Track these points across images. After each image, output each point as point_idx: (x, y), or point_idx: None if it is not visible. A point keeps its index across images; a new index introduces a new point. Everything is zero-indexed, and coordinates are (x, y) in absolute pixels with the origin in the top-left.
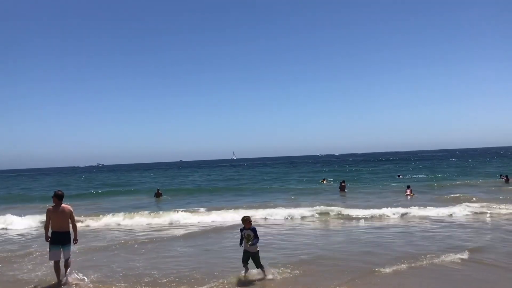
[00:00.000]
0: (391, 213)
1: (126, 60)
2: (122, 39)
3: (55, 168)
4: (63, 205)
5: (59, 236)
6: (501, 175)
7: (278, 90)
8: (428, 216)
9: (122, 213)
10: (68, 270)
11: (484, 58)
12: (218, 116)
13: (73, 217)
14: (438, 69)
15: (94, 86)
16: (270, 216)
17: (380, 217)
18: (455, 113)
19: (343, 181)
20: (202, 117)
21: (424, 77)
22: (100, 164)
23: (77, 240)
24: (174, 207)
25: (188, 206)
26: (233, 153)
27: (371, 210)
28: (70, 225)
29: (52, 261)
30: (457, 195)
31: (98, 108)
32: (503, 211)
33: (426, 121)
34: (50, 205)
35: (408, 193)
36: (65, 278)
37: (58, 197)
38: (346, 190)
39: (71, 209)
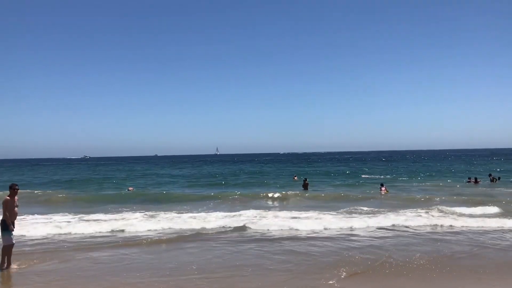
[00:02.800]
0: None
1: (114, 55)
2: (109, 34)
3: (38, 159)
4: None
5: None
6: (469, 178)
7: (265, 87)
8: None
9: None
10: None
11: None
12: (204, 110)
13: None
14: (431, 69)
15: (81, 79)
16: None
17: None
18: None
19: (306, 179)
20: (189, 111)
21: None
22: (86, 156)
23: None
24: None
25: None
26: (217, 148)
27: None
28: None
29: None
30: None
31: (86, 100)
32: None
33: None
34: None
35: (383, 190)
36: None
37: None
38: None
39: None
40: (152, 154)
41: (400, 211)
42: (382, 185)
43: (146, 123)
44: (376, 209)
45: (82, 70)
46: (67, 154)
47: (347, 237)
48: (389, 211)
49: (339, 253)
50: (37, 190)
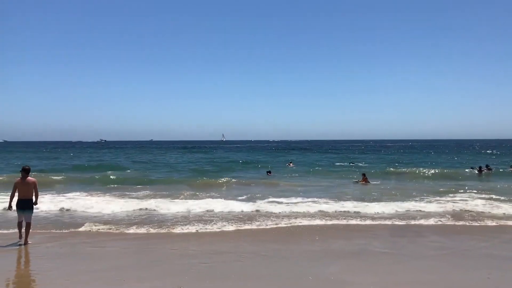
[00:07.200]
0: None
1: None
2: (126, 17)
3: (55, 142)
4: (28, 177)
5: (24, 202)
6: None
7: (273, 74)
8: None
9: None
10: (28, 233)
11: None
12: (213, 96)
13: (36, 187)
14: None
15: (98, 61)
16: None
17: None
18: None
19: (269, 171)
20: (193, 97)
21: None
22: (103, 140)
23: (37, 203)
24: None
25: None
26: (223, 135)
27: None
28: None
29: (18, 220)
30: None
31: (104, 82)
32: None
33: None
34: (17, 177)
35: (362, 181)
36: (23, 240)
37: (26, 171)
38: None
39: (35, 181)
40: (148, 139)
41: None
42: (364, 175)
43: (143, 109)
44: None
45: (103, 59)
46: (84, 138)
47: None
48: None
49: None
50: None
